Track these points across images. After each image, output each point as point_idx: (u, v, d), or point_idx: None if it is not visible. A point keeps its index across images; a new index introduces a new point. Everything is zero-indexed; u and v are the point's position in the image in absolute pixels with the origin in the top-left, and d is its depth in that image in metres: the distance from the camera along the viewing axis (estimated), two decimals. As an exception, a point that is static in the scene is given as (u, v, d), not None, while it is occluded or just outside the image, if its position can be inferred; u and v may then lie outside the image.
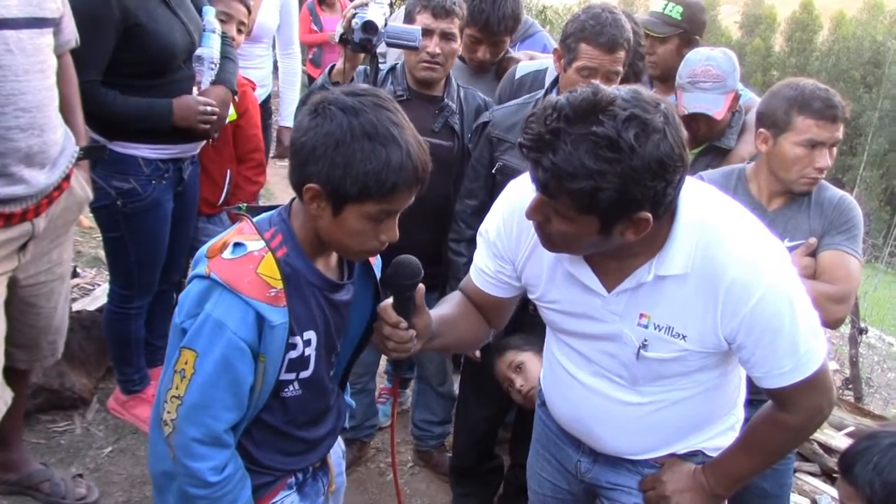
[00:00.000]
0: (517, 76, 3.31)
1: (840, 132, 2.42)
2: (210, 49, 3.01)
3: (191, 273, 1.64)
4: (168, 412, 1.61)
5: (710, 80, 2.85)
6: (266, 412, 1.73)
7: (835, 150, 2.45)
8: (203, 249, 1.65)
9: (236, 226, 1.68)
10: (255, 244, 1.60)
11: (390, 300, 1.74)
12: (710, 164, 2.93)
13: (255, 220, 1.67)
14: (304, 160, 1.54)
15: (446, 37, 2.91)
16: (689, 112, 2.85)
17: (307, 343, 1.69)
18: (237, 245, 1.59)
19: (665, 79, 3.32)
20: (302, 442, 1.84)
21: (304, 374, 1.73)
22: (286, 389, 1.73)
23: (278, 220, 1.67)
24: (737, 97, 2.93)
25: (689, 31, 3.30)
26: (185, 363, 1.58)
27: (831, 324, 2.41)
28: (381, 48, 2.98)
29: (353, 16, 2.69)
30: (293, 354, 1.67)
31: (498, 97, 3.28)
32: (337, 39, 2.79)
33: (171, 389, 1.60)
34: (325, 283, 1.71)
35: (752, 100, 3.09)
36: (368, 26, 2.66)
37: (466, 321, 2.04)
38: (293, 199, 1.69)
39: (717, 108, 2.84)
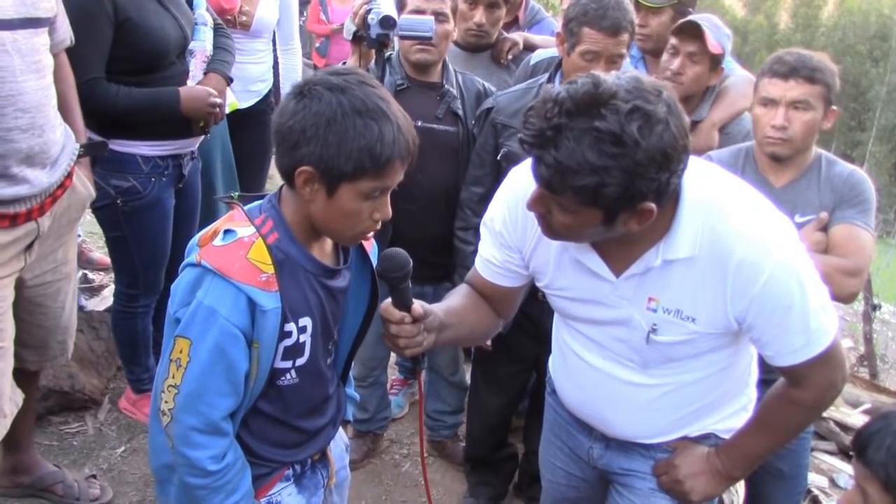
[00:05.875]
0: (532, 63, 3.29)
1: (800, 91, 2.37)
2: (202, 42, 3.02)
3: (183, 262, 1.63)
4: (165, 402, 1.61)
5: (709, 22, 2.82)
6: (263, 401, 1.72)
7: (807, 114, 2.38)
8: (195, 238, 1.65)
9: (227, 213, 1.68)
10: (245, 230, 1.59)
11: (389, 299, 1.73)
12: None
13: (245, 207, 1.66)
14: (294, 143, 1.53)
15: (438, 17, 2.88)
16: (685, 22, 2.79)
17: (302, 330, 1.68)
18: (227, 232, 1.59)
19: (658, 53, 3.28)
20: (300, 432, 1.83)
21: (301, 362, 1.72)
22: (283, 378, 1.72)
23: (268, 206, 1.67)
24: (721, 70, 2.89)
25: (684, 1, 3.22)
26: (180, 352, 1.58)
27: (845, 297, 2.38)
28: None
29: (368, 12, 2.66)
30: (288, 342, 1.67)
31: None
32: (350, 37, 2.77)
33: (168, 379, 1.61)
34: (319, 269, 1.70)
35: (731, 69, 3.04)
36: (387, 21, 2.64)
37: (475, 313, 2.01)
38: (282, 187, 1.68)
39: (714, 41, 2.76)
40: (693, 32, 2.77)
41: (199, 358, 1.57)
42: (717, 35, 2.79)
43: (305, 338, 1.70)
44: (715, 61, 2.83)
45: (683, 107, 2.89)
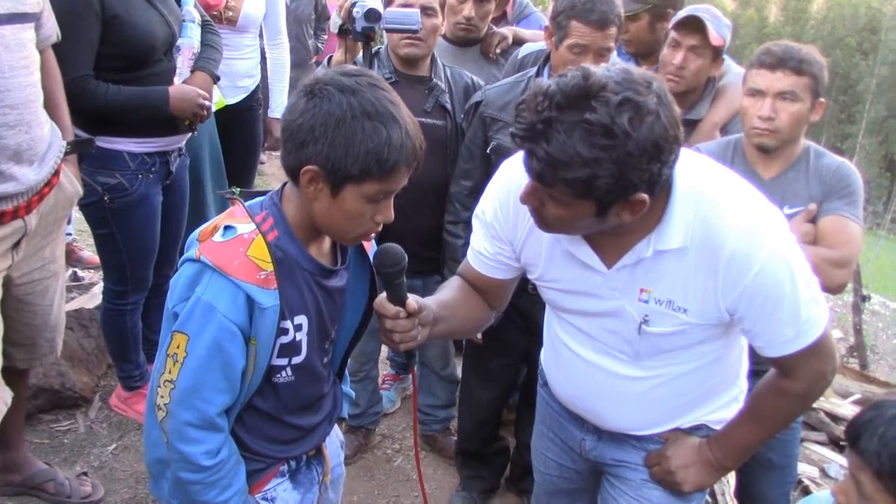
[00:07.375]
0: (520, 56, 3.30)
1: (787, 82, 2.37)
2: (190, 39, 3.00)
3: (182, 257, 1.63)
4: (161, 397, 1.61)
5: (710, 13, 2.80)
6: (258, 397, 1.72)
7: (794, 105, 2.38)
8: (195, 233, 1.65)
9: (228, 209, 1.67)
10: (245, 227, 1.59)
11: (384, 294, 1.73)
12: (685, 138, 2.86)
13: (246, 203, 1.66)
14: (302, 142, 1.52)
15: (426, 11, 2.88)
16: (686, 16, 2.77)
17: (298, 328, 1.68)
18: (227, 228, 1.59)
19: (645, 55, 3.27)
20: (295, 428, 1.83)
21: (297, 360, 1.72)
22: (278, 375, 1.72)
23: (270, 203, 1.66)
24: (721, 61, 2.88)
25: (659, 4, 3.20)
26: (177, 347, 1.58)
27: (833, 289, 2.38)
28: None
29: (353, 5, 2.65)
30: (284, 340, 1.66)
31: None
32: (336, 31, 2.76)
33: (164, 373, 1.61)
34: (317, 269, 1.69)
35: (728, 67, 3.05)
36: (371, 14, 2.63)
37: (468, 306, 2.01)
38: (285, 184, 1.67)
39: (715, 33, 2.76)
40: (695, 26, 2.76)
41: (195, 354, 1.56)
42: (718, 26, 2.78)
43: (301, 336, 1.70)
44: (716, 53, 2.82)
45: (683, 102, 2.91)
